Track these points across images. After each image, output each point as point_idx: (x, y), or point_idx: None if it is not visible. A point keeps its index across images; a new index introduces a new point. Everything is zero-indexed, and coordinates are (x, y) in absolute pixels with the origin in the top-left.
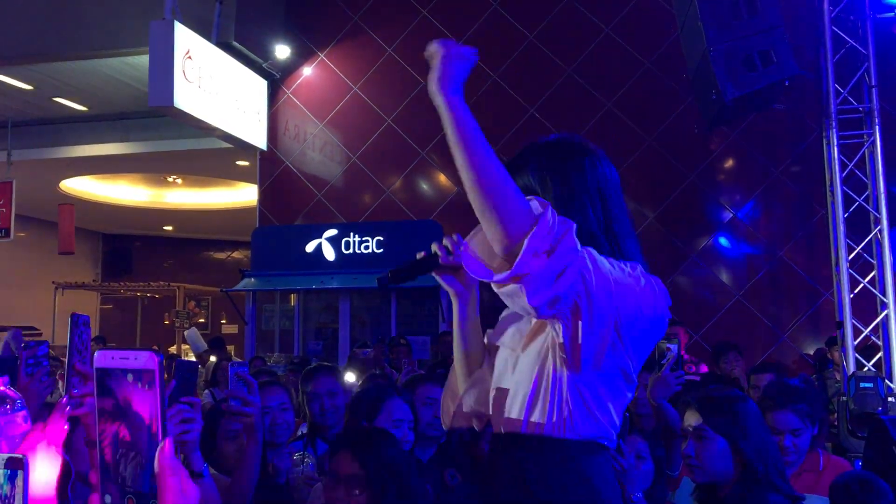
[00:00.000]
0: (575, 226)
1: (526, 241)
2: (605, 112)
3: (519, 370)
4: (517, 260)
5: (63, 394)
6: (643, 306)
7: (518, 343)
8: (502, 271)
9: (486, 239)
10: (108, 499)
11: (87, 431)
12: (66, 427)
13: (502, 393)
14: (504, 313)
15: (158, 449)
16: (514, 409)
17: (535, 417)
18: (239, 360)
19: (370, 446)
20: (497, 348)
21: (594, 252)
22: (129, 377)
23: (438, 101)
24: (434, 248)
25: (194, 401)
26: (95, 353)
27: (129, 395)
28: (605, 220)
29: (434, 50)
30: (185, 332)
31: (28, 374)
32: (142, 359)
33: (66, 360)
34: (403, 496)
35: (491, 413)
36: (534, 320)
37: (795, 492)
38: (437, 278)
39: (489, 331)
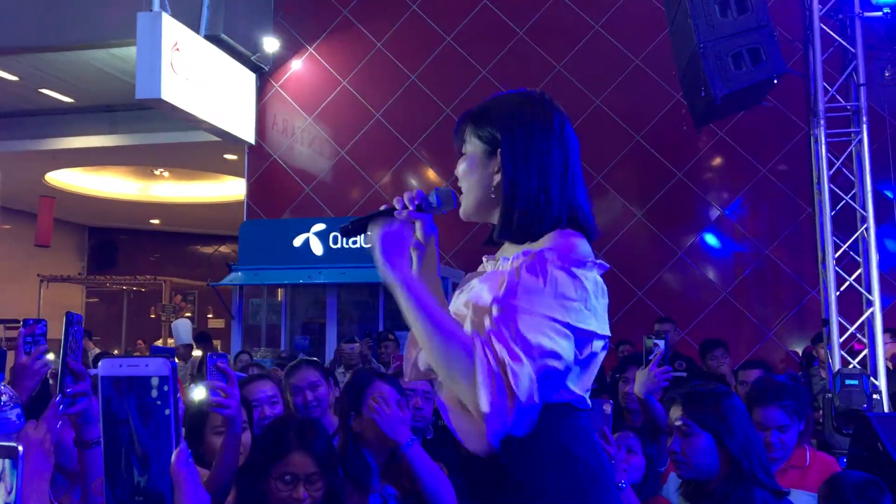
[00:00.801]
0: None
1: (486, 420)
2: (594, 109)
3: None
4: (490, 435)
5: (55, 393)
6: (597, 320)
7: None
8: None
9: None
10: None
11: (77, 431)
12: (59, 425)
13: None
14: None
15: (174, 454)
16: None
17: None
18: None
19: (317, 437)
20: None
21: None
22: (146, 383)
23: (388, 279)
24: (395, 202)
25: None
26: (101, 362)
27: (141, 401)
28: (571, 179)
29: (372, 236)
30: (173, 322)
31: (26, 353)
32: (153, 365)
33: (60, 358)
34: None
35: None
36: (474, 295)
37: (780, 487)
38: None
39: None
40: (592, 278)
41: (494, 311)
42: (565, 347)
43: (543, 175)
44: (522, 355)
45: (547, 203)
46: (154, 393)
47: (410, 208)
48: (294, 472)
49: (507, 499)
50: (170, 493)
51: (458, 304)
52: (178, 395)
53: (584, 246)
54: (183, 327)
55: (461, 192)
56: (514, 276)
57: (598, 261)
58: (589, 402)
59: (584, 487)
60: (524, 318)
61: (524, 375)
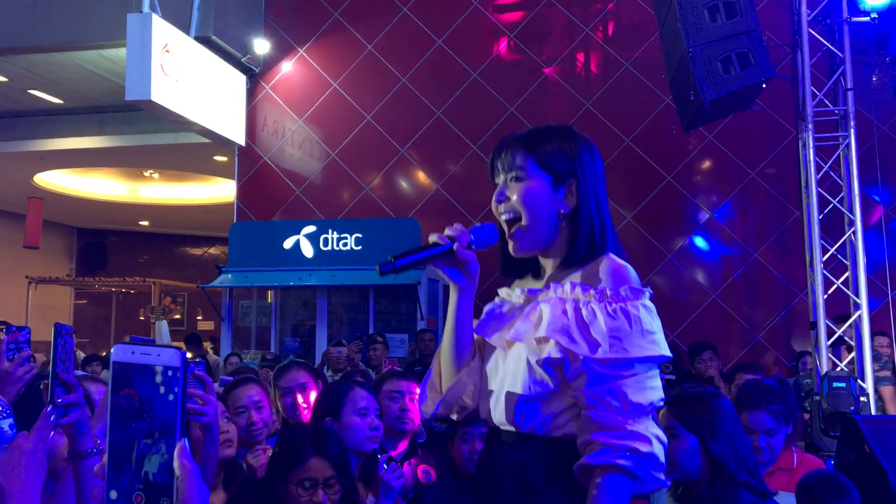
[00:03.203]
0: None
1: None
2: (584, 112)
3: (507, 368)
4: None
5: (48, 403)
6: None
7: (505, 340)
8: None
9: None
10: (113, 494)
11: (71, 442)
12: (52, 436)
13: (496, 389)
14: (489, 306)
15: (178, 447)
16: (510, 408)
17: (532, 418)
18: (215, 356)
19: (331, 443)
20: (485, 343)
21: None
22: (153, 372)
23: None
24: (434, 238)
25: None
26: (114, 347)
27: (148, 391)
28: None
29: None
30: (157, 323)
31: (9, 359)
32: (165, 355)
33: (50, 369)
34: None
35: (485, 408)
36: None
37: (767, 487)
38: (439, 271)
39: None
40: (651, 304)
41: (587, 380)
42: (659, 386)
43: (604, 206)
44: (652, 438)
45: (606, 230)
46: (161, 382)
47: (463, 244)
48: (313, 478)
49: None
50: (171, 485)
51: (522, 330)
52: (187, 387)
53: (634, 273)
54: (163, 330)
55: (510, 218)
56: (593, 315)
57: (647, 287)
58: None
59: None
60: (629, 383)
61: (659, 451)
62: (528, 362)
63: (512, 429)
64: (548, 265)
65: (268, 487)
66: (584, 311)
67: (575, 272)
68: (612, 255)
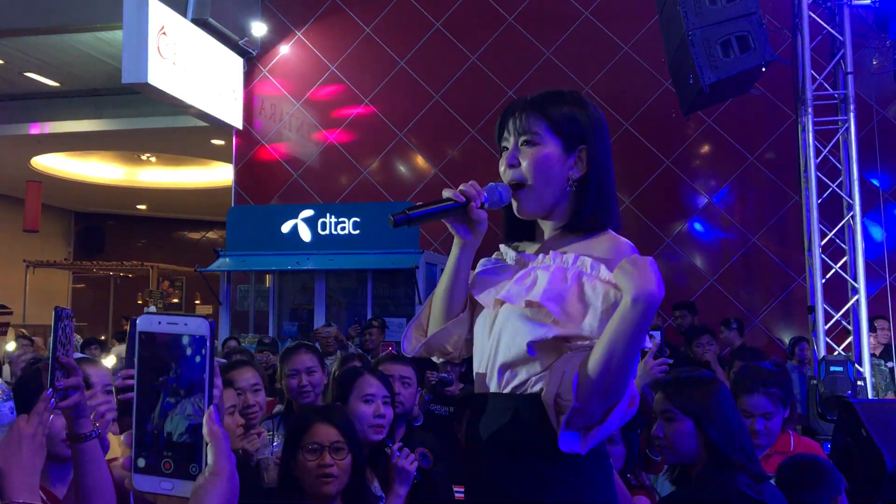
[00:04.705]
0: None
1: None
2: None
3: (495, 329)
4: (586, 443)
5: (47, 386)
6: None
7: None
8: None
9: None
10: (141, 462)
11: (70, 425)
12: (51, 419)
13: (486, 353)
14: (483, 261)
15: (207, 413)
16: (496, 370)
17: (516, 378)
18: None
19: (337, 412)
20: (476, 303)
21: None
22: (181, 342)
23: (643, 303)
24: (448, 193)
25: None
26: (139, 318)
27: (175, 360)
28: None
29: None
30: (145, 310)
31: None
32: (192, 324)
33: (50, 352)
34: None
35: (473, 370)
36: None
37: (763, 471)
38: (448, 224)
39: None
40: None
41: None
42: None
43: (611, 175)
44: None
45: (612, 200)
46: (189, 352)
47: (476, 205)
48: (319, 441)
49: (573, 492)
50: (198, 452)
51: (514, 293)
52: (214, 355)
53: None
54: None
55: (518, 182)
56: (594, 292)
57: None
58: None
59: (607, 481)
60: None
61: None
62: (514, 325)
63: (497, 390)
64: (547, 228)
65: (283, 463)
66: (586, 287)
67: (574, 242)
68: (616, 235)
